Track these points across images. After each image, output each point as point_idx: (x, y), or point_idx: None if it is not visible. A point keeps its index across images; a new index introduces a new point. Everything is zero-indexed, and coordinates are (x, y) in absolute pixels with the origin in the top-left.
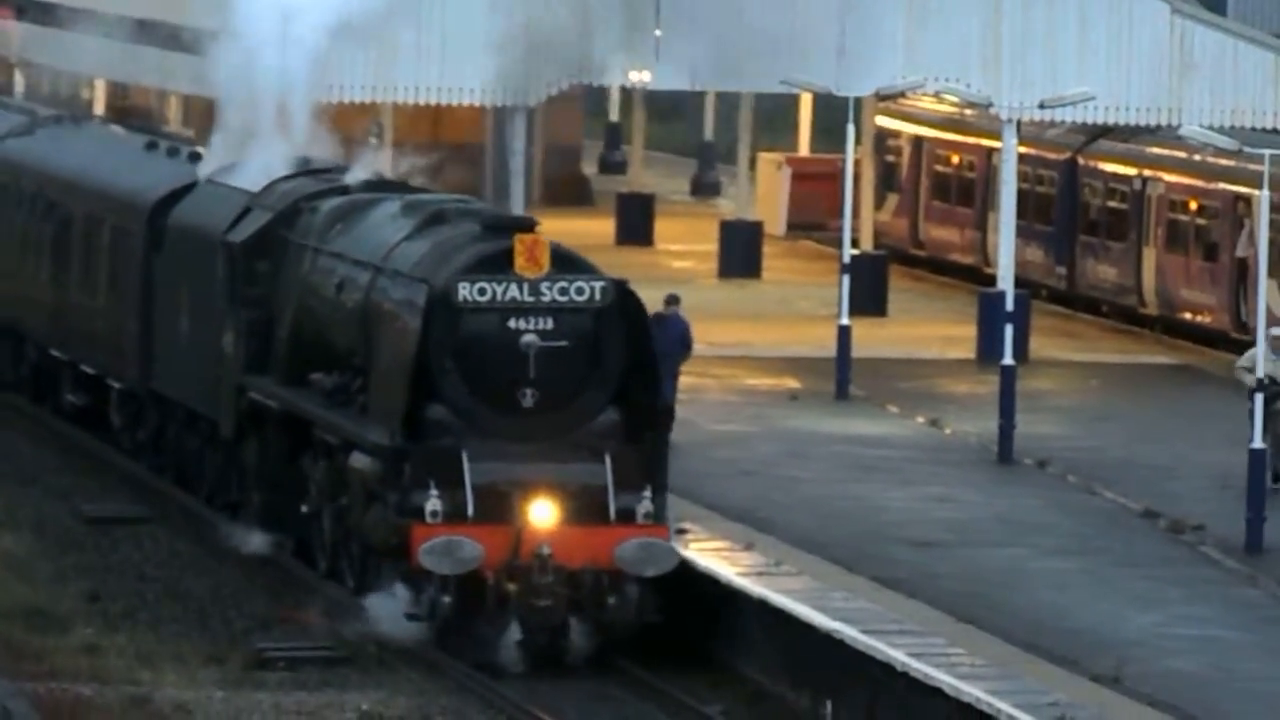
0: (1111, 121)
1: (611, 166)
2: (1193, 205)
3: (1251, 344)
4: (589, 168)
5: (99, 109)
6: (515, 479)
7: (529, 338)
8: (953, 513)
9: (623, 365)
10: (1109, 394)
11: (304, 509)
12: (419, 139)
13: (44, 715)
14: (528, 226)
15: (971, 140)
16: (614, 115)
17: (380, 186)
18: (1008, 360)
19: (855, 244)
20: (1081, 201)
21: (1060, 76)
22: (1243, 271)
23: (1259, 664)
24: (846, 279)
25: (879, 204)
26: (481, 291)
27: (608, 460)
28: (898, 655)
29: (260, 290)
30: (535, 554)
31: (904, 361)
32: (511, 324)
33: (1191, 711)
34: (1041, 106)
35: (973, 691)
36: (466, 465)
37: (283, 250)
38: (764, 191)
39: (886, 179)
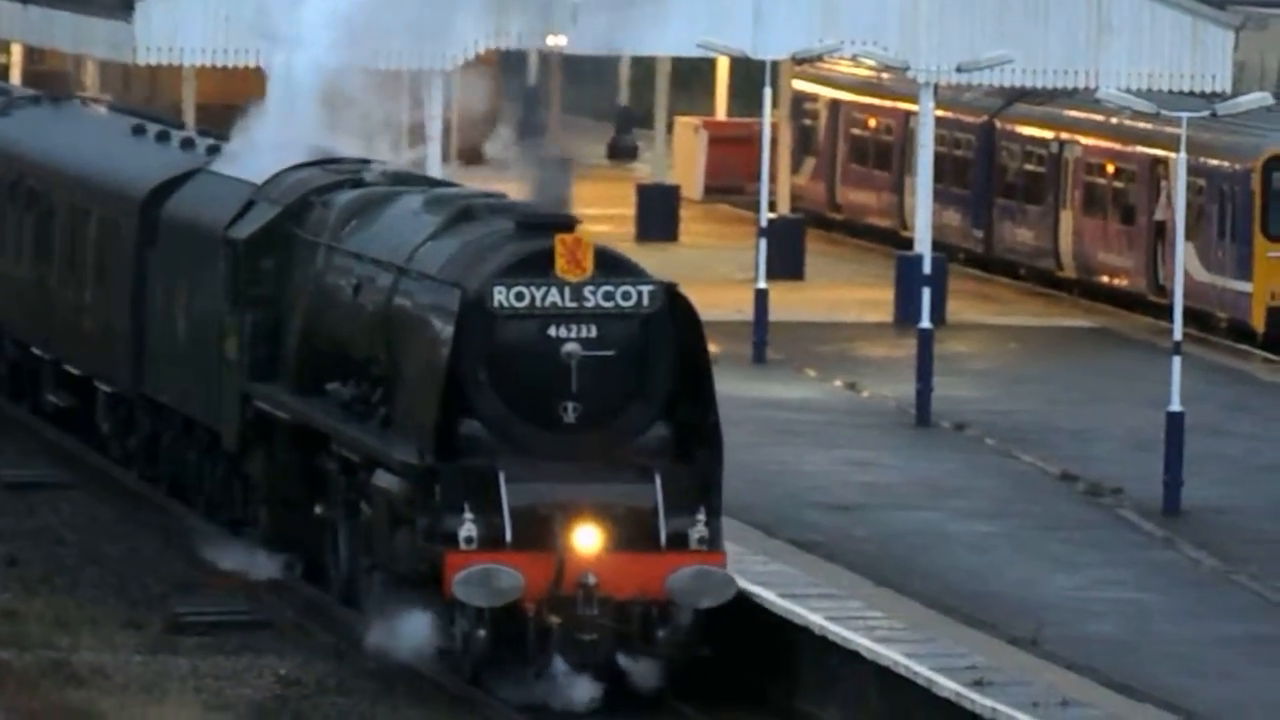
0: (1029, 85)
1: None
2: (1110, 168)
3: (1168, 307)
4: (505, 132)
5: (14, 74)
6: (557, 501)
7: (571, 347)
8: (871, 476)
9: (673, 376)
10: (1027, 357)
11: (318, 529)
12: None
13: None
14: (568, 225)
15: (888, 104)
16: (532, 79)
17: (397, 179)
18: (925, 323)
19: (772, 207)
20: (999, 165)
21: (977, 40)
22: (1160, 234)
23: (1177, 626)
24: (763, 242)
25: (796, 168)
26: (519, 297)
27: (657, 480)
28: (815, 619)
29: (266, 291)
30: (579, 583)
31: (821, 325)
32: (551, 332)
33: (1110, 674)
34: (959, 70)
35: (891, 654)
36: (504, 486)
37: (291, 248)
38: (681, 155)
39: (803, 143)
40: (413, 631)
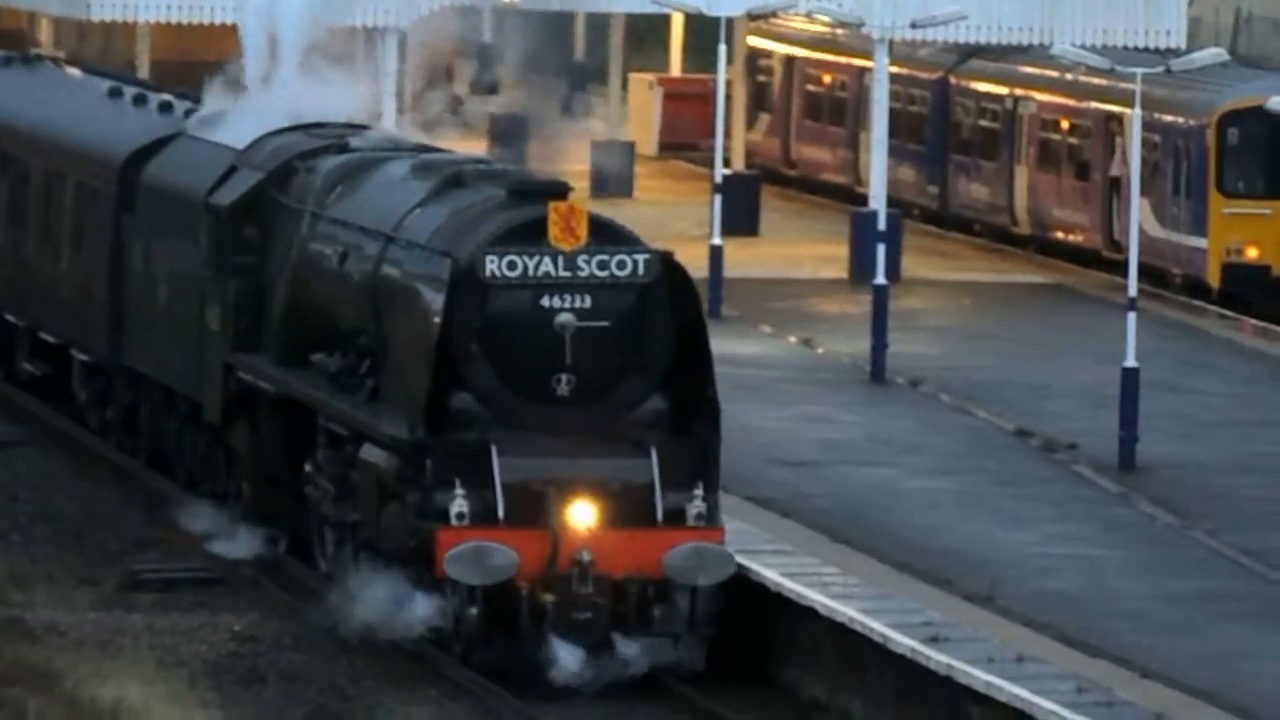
0: (984, 41)
1: (484, 87)
2: (1064, 124)
3: (1123, 263)
4: (460, 89)
5: None
6: (550, 476)
7: (565, 318)
8: (826, 432)
9: (670, 348)
10: (982, 313)
11: (303, 503)
12: None
13: None
14: (560, 192)
15: (843, 60)
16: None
17: (383, 144)
18: (880, 280)
19: (727, 164)
20: (953, 121)
21: None
22: (1115, 190)
23: (1132, 582)
24: (718, 199)
25: (751, 124)
26: (511, 266)
27: (654, 455)
28: (771, 575)
29: (249, 259)
30: (574, 561)
31: (776, 281)
32: (545, 302)
33: (1065, 630)
34: (913, 26)
35: (846, 611)
36: (496, 461)
37: (275, 214)
38: (636, 112)
39: (758, 99)
40: (401, 610)
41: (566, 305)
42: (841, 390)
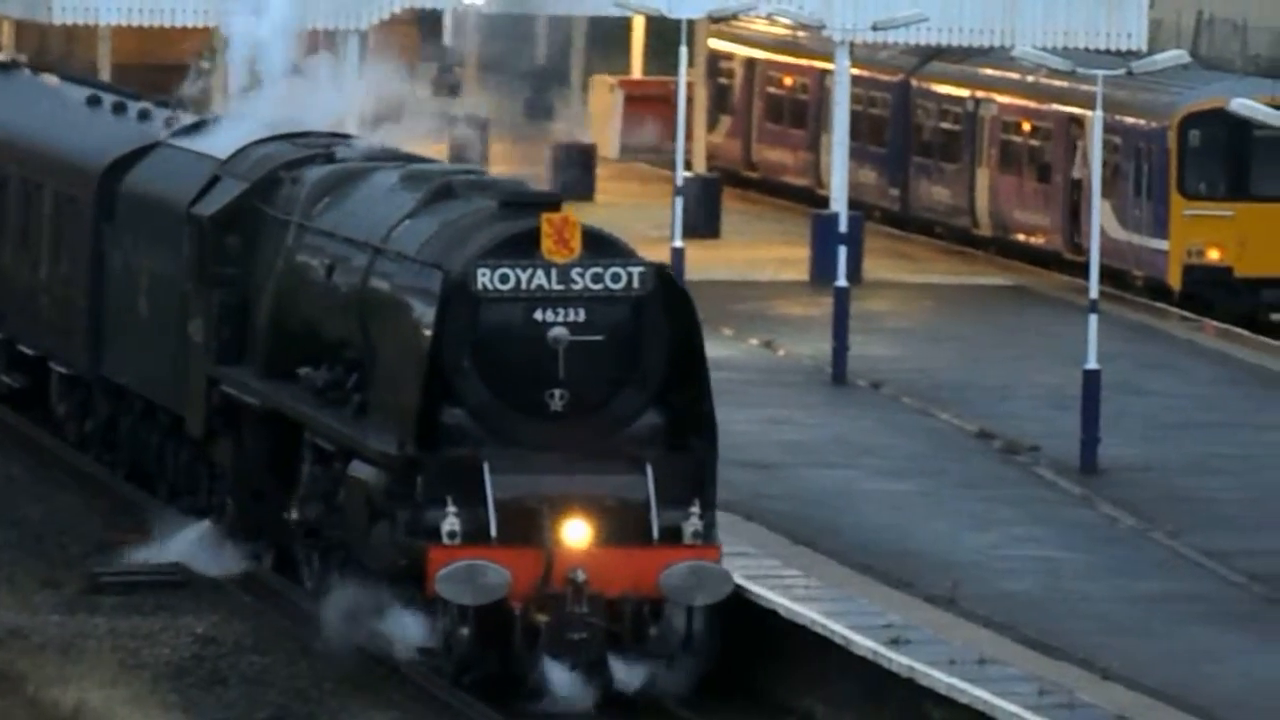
0: (945, 43)
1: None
2: (1026, 126)
3: (1085, 265)
4: (422, 91)
5: None
6: (544, 493)
7: (558, 331)
8: (788, 434)
9: (665, 362)
10: (943, 315)
11: (288, 521)
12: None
13: None
14: (554, 203)
15: (804, 62)
16: (448, 39)
17: (370, 154)
18: (841, 282)
19: (688, 166)
20: (915, 123)
21: None
22: (1077, 192)
23: (1093, 584)
24: (679, 201)
25: (712, 126)
26: (504, 279)
27: (649, 471)
28: (733, 578)
29: (233, 270)
30: (568, 580)
31: (738, 284)
32: (538, 316)
33: (1026, 632)
34: (874, 28)
35: (808, 613)
36: (488, 478)
37: (259, 225)
38: (597, 114)
39: (720, 101)
40: (391, 631)
41: (560, 319)
42: (803, 392)
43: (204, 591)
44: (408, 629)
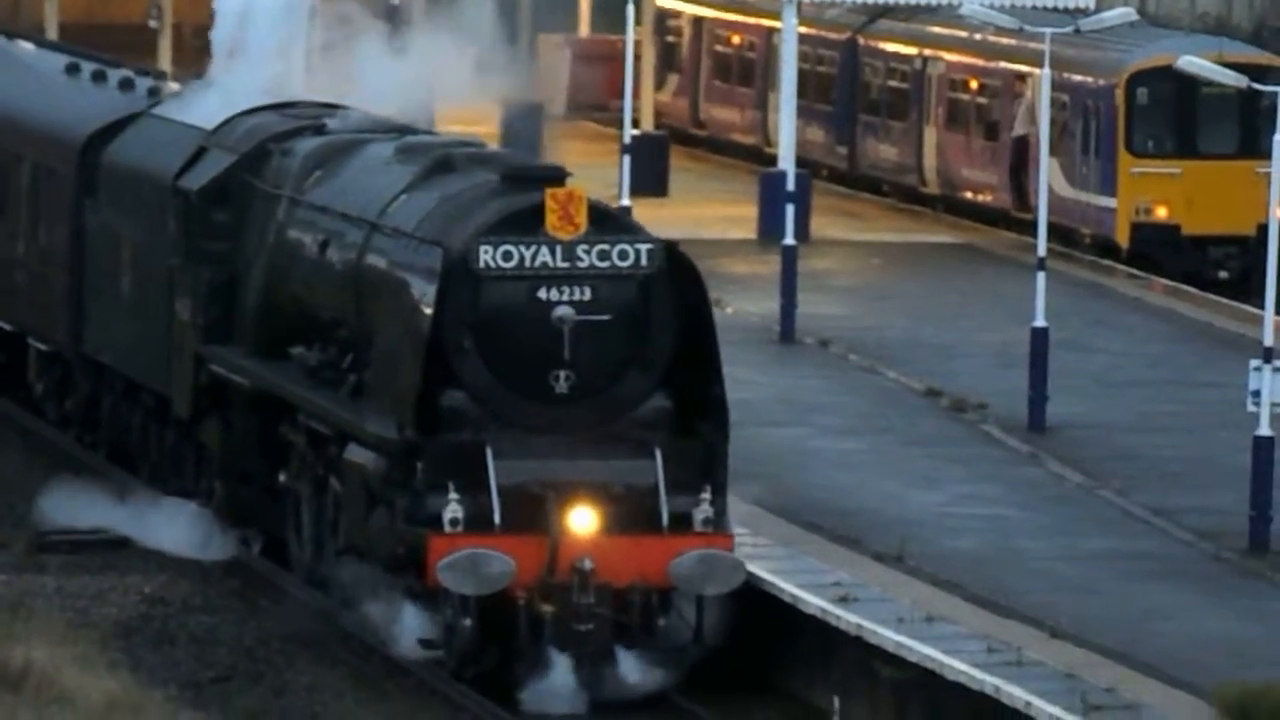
0: (892, 1)
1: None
2: (973, 84)
3: (1033, 223)
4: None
5: None
6: (549, 479)
7: (563, 311)
8: (735, 393)
9: (673, 342)
10: (890, 273)
11: (279, 505)
12: (202, 20)
13: None
14: (558, 177)
15: (752, 20)
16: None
17: (363, 125)
18: (789, 240)
19: (636, 124)
20: (862, 81)
21: None
22: (1020, 150)
23: (1040, 542)
24: (627, 159)
25: (660, 84)
26: (506, 256)
27: (658, 455)
28: (745, 566)
29: (221, 246)
30: (574, 569)
31: (685, 242)
32: (542, 295)
33: (974, 590)
34: None
35: (756, 571)
36: (491, 463)
37: (249, 199)
38: (545, 72)
39: (667, 59)
40: (389, 621)
41: (565, 298)
42: (751, 350)
43: (152, 551)
44: (407, 620)
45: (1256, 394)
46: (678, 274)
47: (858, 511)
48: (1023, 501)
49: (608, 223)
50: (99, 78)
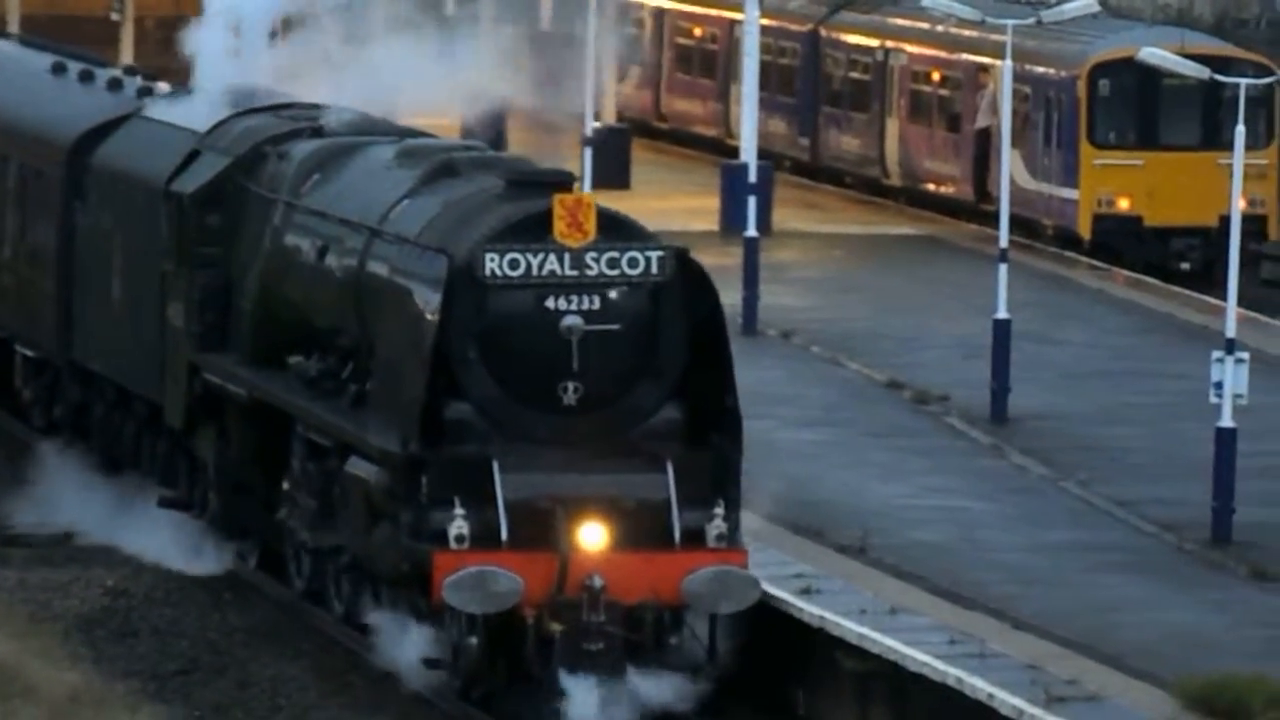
0: None
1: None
2: (935, 76)
3: (995, 215)
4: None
5: None
6: (558, 494)
7: (571, 320)
8: None
9: (685, 353)
10: (853, 265)
11: (276, 519)
12: (164, 13)
13: None
14: (565, 182)
15: (714, 12)
16: None
17: (361, 127)
18: (751, 232)
19: (598, 116)
20: (824, 73)
21: None
22: (982, 142)
23: (1003, 533)
24: (589, 152)
25: (621, 76)
26: (513, 264)
27: (669, 469)
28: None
29: (215, 251)
30: (584, 586)
31: None
32: (550, 304)
33: (937, 581)
34: None
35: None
36: (498, 477)
37: (244, 203)
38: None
39: (629, 51)
40: (392, 641)
41: (573, 307)
42: None
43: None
44: (412, 639)
45: (1219, 385)
46: (689, 281)
47: (820, 503)
48: (985, 493)
49: (617, 229)
50: (86, 77)
